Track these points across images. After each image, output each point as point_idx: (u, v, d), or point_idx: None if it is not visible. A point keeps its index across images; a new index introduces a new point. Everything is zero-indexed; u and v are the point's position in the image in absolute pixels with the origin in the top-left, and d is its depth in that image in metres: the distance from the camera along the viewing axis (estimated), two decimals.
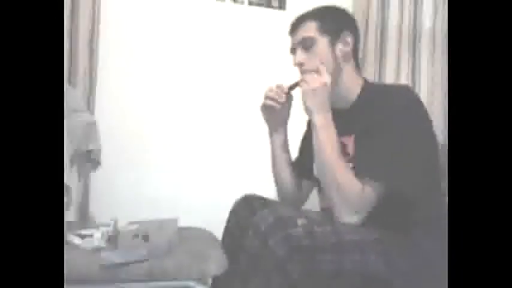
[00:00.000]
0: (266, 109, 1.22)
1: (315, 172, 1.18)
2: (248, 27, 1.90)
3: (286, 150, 1.28)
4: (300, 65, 1.13)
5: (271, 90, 1.20)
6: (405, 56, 1.92)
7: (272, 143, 1.27)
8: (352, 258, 0.93)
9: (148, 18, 1.78)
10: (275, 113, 1.22)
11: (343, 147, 1.09)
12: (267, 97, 1.20)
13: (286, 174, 1.28)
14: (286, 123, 1.27)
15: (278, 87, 1.20)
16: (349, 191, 0.98)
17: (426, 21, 1.95)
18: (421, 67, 1.92)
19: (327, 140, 1.04)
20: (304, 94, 1.08)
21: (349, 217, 0.98)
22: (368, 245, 0.95)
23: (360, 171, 1.00)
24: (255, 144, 1.79)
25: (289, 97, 1.22)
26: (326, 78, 1.06)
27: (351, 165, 1.05)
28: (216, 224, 1.29)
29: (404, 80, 1.90)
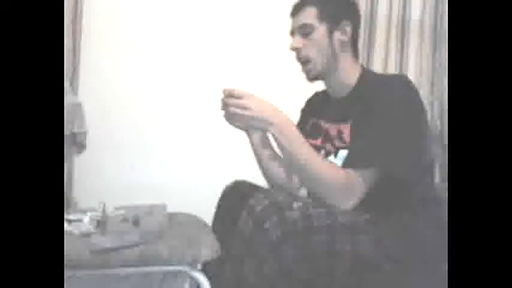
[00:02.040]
0: (230, 117, 1.09)
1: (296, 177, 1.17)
2: (239, 12, 1.87)
3: (267, 146, 1.18)
4: (297, 50, 1.13)
5: (227, 96, 1.07)
6: (393, 46, 1.93)
7: (250, 142, 1.18)
8: (345, 240, 0.94)
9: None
10: (238, 116, 1.08)
11: (339, 134, 1.09)
12: (226, 105, 1.07)
13: (273, 170, 1.23)
14: None
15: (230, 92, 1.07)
16: (333, 182, 0.98)
17: (415, 13, 1.96)
18: (408, 58, 1.94)
19: (289, 144, 1.02)
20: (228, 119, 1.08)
21: (342, 204, 0.99)
22: (360, 227, 0.96)
23: (353, 158, 1.01)
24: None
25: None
26: (248, 103, 1.02)
27: (344, 152, 1.05)
28: (205, 210, 1.28)
29: (392, 70, 1.92)
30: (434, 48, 1.96)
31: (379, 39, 1.92)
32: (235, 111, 1.04)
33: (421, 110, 1.07)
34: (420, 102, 1.06)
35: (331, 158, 1.12)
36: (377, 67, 1.90)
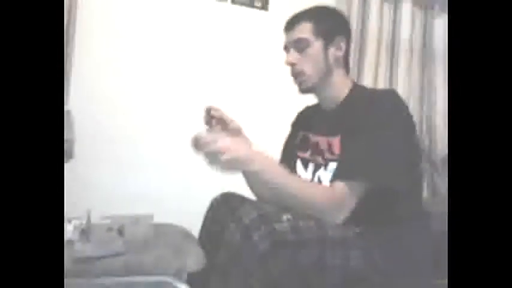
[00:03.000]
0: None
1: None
2: (230, 24, 1.89)
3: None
4: (292, 65, 1.13)
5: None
6: (383, 63, 1.97)
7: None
8: (334, 253, 0.93)
9: (127, 4, 1.73)
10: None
11: (329, 147, 1.10)
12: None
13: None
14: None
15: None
16: (322, 202, 0.98)
17: (404, 31, 2.00)
18: (398, 75, 1.97)
19: (268, 177, 0.98)
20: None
21: (332, 219, 0.98)
22: (350, 240, 0.96)
23: (342, 170, 1.01)
24: None
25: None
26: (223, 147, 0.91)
27: (334, 165, 1.05)
28: (191, 221, 1.27)
29: (381, 86, 1.94)
30: (423, 65, 2.00)
31: (370, 56, 1.96)
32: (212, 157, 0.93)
33: (410, 124, 1.08)
34: (409, 116, 1.07)
35: (321, 170, 1.12)
36: (367, 83, 1.92)
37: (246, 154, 0.95)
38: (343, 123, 1.08)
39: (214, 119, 1.18)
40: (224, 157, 0.91)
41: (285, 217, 0.92)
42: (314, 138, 1.18)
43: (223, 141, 0.92)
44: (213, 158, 0.93)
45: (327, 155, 1.11)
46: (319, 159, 1.13)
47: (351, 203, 0.98)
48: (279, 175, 1.00)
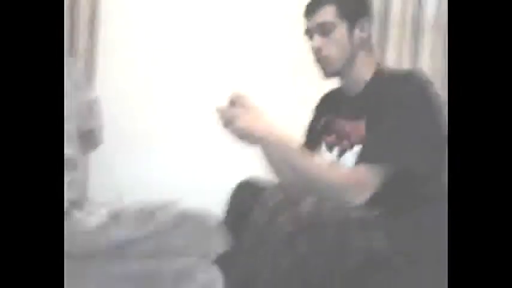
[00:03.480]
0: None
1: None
2: (246, 11, 1.88)
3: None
4: (318, 50, 1.12)
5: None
6: (407, 43, 1.92)
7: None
8: (356, 235, 0.94)
9: None
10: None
11: (353, 131, 1.10)
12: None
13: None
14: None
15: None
16: (339, 182, 0.99)
17: (428, 10, 1.95)
18: (422, 55, 1.93)
19: (283, 157, 1.00)
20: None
21: (353, 200, 0.99)
22: (371, 222, 0.97)
23: (366, 153, 1.01)
24: None
25: None
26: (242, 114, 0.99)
27: (357, 148, 1.05)
28: (216, 206, 1.29)
29: (405, 67, 1.91)
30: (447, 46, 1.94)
31: (393, 37, 1.91)
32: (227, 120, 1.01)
33: (436, 105, 1.05)
34: (435, 98, 1.05)
35: (347, 154, 1.12)
36: (391, 64, 1.89)
37: (264, 128, 0.99)
38: (369, 107, 1.07)
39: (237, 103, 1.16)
40: (240, 124, 0.96)
41: (309, 199, 0.94)
42: (339, 122, 1.18)
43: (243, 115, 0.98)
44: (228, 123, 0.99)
45: (353, 139, 1.11)
46: (345, 143, 1.13)
47: (372, 186, 0.98)
48: (299, 157, 1.01)
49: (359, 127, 1.09)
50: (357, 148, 1.08)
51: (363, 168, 0.99)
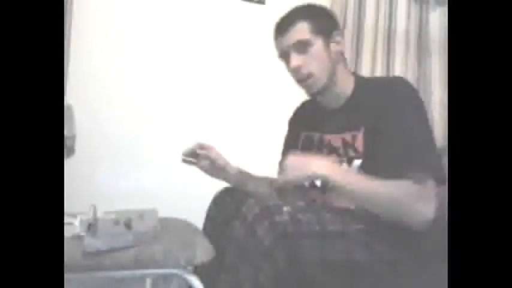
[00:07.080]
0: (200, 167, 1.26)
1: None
2: (226, 18, 1.90)
3: (247, 178, 1.30)
4: (298, 68, 1.08)
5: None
6: (380, 55, 1.98)
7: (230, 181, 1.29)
8: (335, 246, 0.93)
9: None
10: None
11: (344, 144, 1.09)
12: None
13: (264, 189, 1.28)
14: (224, 160, 1.27)
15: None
16: (404, 199, 0.94)
17: (400, 23, 2.02)
18: (394, 66, 1.99)
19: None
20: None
21: (422, 216, 0.94)
22: (351, 235, 0.95)
23: (379, 169, 0.98)
24: (236, 137, 1.79)
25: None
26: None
27: (359, 161, 1.04)
28: (192, 216, 1.28)
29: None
30: (420, 57, 2.02)
31: (366, 49, 1.97)
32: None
33: (423, 109, 1.04)
34: (421, 101, 1.04)
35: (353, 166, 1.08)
36: (364, 75, 1.94)
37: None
38: (360, 117, 1.06)
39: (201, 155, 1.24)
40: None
41: (285, 209, 0.92)
42: (325, 136, 1.15)
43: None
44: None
45: (350, 152, 1.07)
46: (335, 157, 1.10)
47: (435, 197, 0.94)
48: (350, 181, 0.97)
49: (352, 140, 1.07)
50: (356, 161, 1.05)
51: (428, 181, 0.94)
